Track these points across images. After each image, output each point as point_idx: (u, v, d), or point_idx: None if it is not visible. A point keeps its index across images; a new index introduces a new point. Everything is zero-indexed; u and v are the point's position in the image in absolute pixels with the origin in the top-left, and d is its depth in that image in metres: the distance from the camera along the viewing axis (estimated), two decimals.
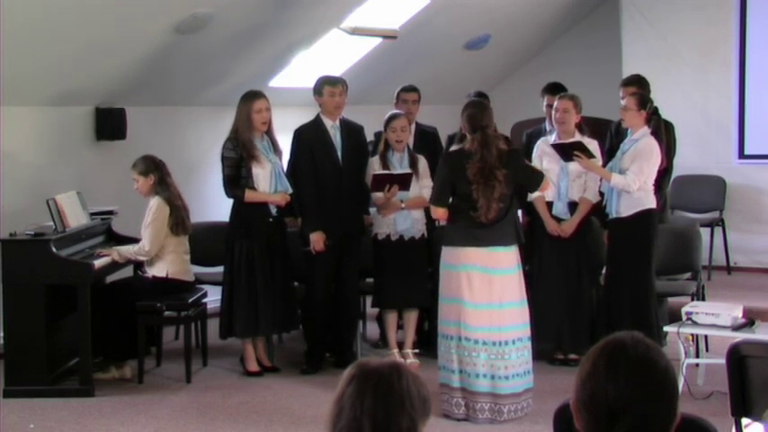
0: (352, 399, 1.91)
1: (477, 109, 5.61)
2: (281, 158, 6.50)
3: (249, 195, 6.31)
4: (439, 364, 5.55)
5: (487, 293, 5.40)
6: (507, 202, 5.48)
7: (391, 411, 1.90)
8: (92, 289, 5.97)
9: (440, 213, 5.70)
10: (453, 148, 5.84)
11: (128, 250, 6.36)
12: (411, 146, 6.76)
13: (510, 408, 5.39)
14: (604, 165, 6.51)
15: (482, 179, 5.40)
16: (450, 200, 5.59)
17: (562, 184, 6.52)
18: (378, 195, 6.51)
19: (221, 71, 7.80)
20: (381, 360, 2.01)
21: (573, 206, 6.55)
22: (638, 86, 6.88)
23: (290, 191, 6.43)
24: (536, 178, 5.75)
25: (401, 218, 6.50)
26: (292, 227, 6.73)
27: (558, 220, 6.53)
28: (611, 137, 7.05)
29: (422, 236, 6.57)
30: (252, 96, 6.37)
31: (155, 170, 6.35)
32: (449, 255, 5.53)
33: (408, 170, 6.48)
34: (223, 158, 6.37)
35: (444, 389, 5.48)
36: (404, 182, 6.40)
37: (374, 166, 6.56)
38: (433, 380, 5.34)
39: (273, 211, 6.41)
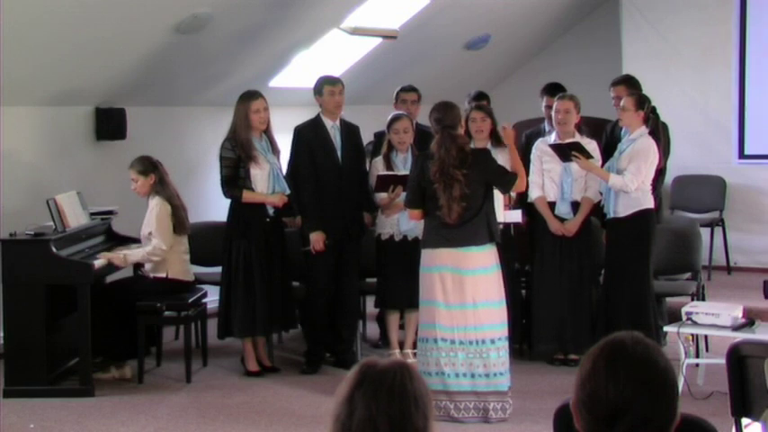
0: (366, 399, 1.89)
1: (442, 110, 5.60)
2: (279, 158, 6.50)
3: (247, 196, 6.31)
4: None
5: (460, 294, 5.38)
6: (475, 202, 5.41)
7: (406, 411, 1.89)
8: (92, 289, 5.96)
9: (414, 216, 5.68)
10: None
11: (136, 254, 6.33)
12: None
13: (496, 405, 5.38)
14: (602, 165, 6.51)
15: (442, 179, 5.38)
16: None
17: (565, 184, 6.51)
18: (381, 196, 6.51)
19: (221, 71, 7.79)
20: (388, 360, 2.00)
21: (574, 206, 6.55)
22: (628, 86, 6.88)
23: (288, 191, 6.43)
24: (507, 180, 5.59)
25: (405, 218, 6.48)
26: (291, 227, 6.73)
27: (561, 220, 6.53)
28: (606, 136, 7.04)
29: None
30: (249, 96, 6.36)
31: (154, 170, 6.35)
32: (425, 257, 5.53)
33: None
34: (221, 158, 6.37)
35: None
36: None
37: (378, 167, 6.57)
38: None
39: (271, 211, 6.40)
